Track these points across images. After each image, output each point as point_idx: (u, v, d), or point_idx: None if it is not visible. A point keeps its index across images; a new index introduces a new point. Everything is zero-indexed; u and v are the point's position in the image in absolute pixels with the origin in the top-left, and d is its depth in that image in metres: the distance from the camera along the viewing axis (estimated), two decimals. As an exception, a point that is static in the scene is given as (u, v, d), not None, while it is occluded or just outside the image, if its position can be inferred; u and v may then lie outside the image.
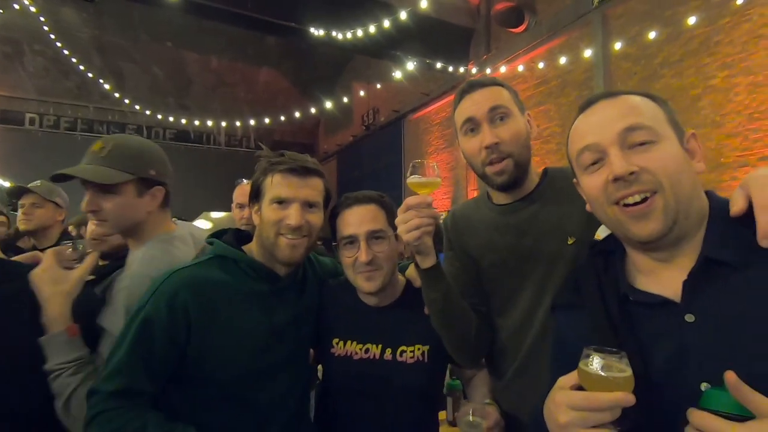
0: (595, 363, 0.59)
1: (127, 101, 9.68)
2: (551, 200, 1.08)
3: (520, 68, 6.40)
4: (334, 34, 6.12)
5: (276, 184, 1.07)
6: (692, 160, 0.69)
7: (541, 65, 6.10)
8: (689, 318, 0.63)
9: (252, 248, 1.13)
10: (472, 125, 1.06)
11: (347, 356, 1.15)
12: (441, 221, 1.22)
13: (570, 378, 0.62)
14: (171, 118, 9.78)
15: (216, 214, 7.07)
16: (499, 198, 1.14)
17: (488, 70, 6.91)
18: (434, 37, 6.90)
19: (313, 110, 9.24)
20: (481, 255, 1.14)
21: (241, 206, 2.23)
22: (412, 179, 0.97)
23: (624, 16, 5.20)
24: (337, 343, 1.17)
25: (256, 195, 1.11)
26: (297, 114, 9.13)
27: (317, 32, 6.13)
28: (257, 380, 1.04)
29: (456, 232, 1.20)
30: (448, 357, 1.10)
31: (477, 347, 1.06)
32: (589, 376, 0.59)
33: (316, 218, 1.10)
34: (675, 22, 4.62)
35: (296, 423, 1.12)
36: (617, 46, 5.15)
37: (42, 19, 8.40)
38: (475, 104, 1.06)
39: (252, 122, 9.68)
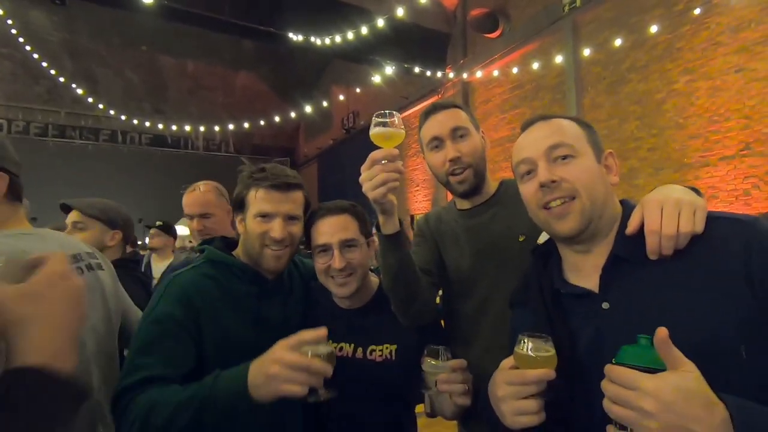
0: (525, 346, 0.72)
1: (101, 106, 9.49)
2: (505, 205, 1.25)
3: (496, 73, 6.57)
4: (312, 39, 6.15)
5: (259, 200, 1.13)
6: (609, 174, 0.84)
7: (515, 70, 6.28)
8: (605, 305, 0.76)
9: (239, 254, 1.19)
10: (437, 142, 1.22)
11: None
12: (416, 220, 1.29)
13: (509, 360, 0.76)
14: (147, 123, 9.61)
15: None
16: (463, 204, 1.31)
17: (465, 75, 7.06)
18: (412, 42, 7.02)
19: (293, 114, 9.24)
20: (445, 248, 1.30)
21: (190, 217, 1.85)
22: (375, 131, 0.97)
23: (593, 22, 5.41)
24: None
25: (239, 206, 1.18)
26: (276, 118, 9.11)
27: (296, 37, 6.16)
28: None
29: (429, 229, 1.36)
30: (417, 356, 1.14)
31: (420, 311, 1.15)
32: (520, 357, 0.73)
33: (297, 229, 1.17)
34: (640, 29, 4.84)
35: (288, 419, 1.17)
36: (586, 52, 5.36)
37: (9, 21, 8.16)
38: (439, 124, 1.22)
39: (231, 127, 9.61)
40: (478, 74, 6.79)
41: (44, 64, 8.75)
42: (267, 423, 1.09)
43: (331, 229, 1.17)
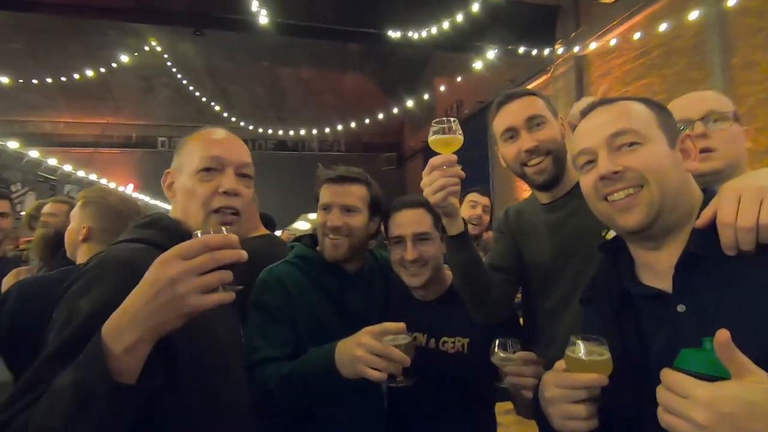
0: (577, 349, 0.69)
1: (234, 119, 10.90)
2: None
3: (613, 42, 5.82)
4: (410, 34, 6.20)
5: (322, 194, 1.28)
6: (687, 159, 0.74)
7: (638, 35, 5.49)
8: (681, 308, 0.68)
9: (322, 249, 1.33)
10: (512, 133, 1.17)
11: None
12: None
13: (563, 362, 0.71)
14: (270, 131, 10.77)
15: (313, 215, 7.67)
16: (543, 198, 1.24)
17: (576, 48, 6.41)
18: (516, 21, 6.60)
19: (395, 110, 9.45)
20: (525, 244, 1.25)
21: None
22: (433, 138, 1.00)
23: (743, -36, 4.46)
24: None
25: (316, 203, 1.32)
26: (380, 115, 9.42)
27: (394, 34, 6.27)
28: None
29: (508, 226, 1.32)
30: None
31: (492, 308, 1.14)
32: (570, 359, 0.69)
33: (356, 221, 1.25)
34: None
35: (371, 406, 1.27)
36: (731, 2, 4.43)
37: (166, 56, 9.86)
38: (512, 114, 1.17)
39: (339, 128, 10.23)
40: (593, 46, 6.10)
41: (191, 88, 10.40)
42: (355, 407, 1.19)
43: (405, 221, 1.23)
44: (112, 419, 0.64)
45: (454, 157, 0.98)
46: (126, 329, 0.64)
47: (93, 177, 9.24)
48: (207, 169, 0.93)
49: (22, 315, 1.14)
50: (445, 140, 0.99)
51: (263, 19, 5.59)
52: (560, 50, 6.73)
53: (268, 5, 5.59)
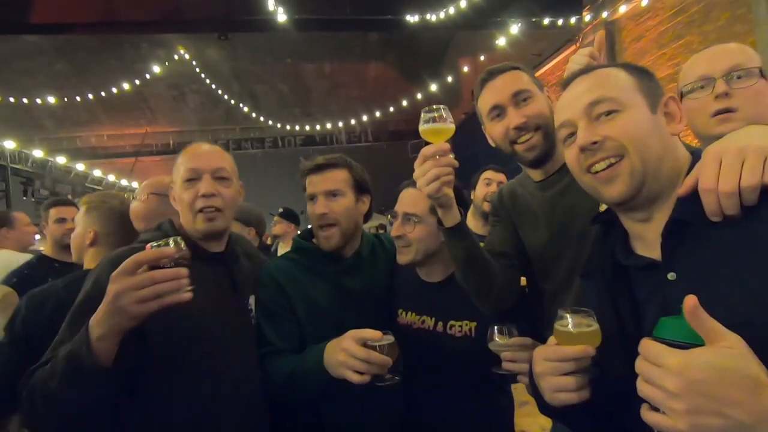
0: (564, 321, 0.69)
1: (261, 119, 11.15)
2: None
3: (645, 2, 5.48)
4: (428, 17, 6.09)
5: (307, 185, 1.31)
6: (671, 123, 0.71)
7: (673, -7, 5.14)
8: (671, 276, 0.66)
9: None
10: (498, 111, 1.13)
11: (408, 325, 1.31)
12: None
13: (554, 337, 0.71)
14: (297, 127, 10.95)
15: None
16: (536, 175, 1.19)
17: (605, 14, 6.08)
18: (538, -9, 6.34)
19: (419, 96, 9.35)
20: (522, 225, 1.22)
21: None
22: (423, 128, 0.97)
23: None
24: (401, 313, 1.34)
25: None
26: (404, 102, 9.35)
27: (413, 18, 6.18)
28: None
29: (503, 207, 1.28)
30: None
31: (497, 298, 1.10)
32: (558, 332, 0.70)
33: (340, 205, 1.27)
34: None
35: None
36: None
37: (194, 63, 10.19)
38: (497, 91, 1.13)
39: (365, 118, 10.24)
40: (622, 9, 5.78)
41: (219, 91, 10.71)
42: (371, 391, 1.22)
43: (402, 199, 1.27)
44: (93, 387, 0.86)
45: (447, 146, 0.95)
46: (95, 325, 0.84)
47: (135, 185, 9.79)
48: (189, 180, 1.14)
49: (34, 322, 1.23)
50: (436, 129, 0.97)
51: (281, 17, 5.66)
52: (588, 17, 6.41)
53: (285, 3, 5.65)
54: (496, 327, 1.04)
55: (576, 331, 0.68)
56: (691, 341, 0.51)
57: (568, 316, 0.69)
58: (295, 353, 1.19)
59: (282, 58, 11.55)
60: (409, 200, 1.25)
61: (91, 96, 10.07)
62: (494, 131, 1.16)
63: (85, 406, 0.88)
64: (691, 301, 0.50)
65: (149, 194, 1.54)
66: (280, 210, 3.56)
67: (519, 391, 1.76)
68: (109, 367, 0.85)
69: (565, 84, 0.81)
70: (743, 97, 1.01)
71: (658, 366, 0.51)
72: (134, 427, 1.00)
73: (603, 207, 0.86)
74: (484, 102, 1.17)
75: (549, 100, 1.16)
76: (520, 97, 1.12)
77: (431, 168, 0.94)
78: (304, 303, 1.26)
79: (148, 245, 0.86)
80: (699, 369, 0.48)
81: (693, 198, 0.65)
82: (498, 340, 1.03)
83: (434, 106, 0.98)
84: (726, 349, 0.49)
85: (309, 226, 1.41)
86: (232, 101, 11.10)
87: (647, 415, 0.53)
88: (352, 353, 0.99)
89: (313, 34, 8.59)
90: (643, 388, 0.53)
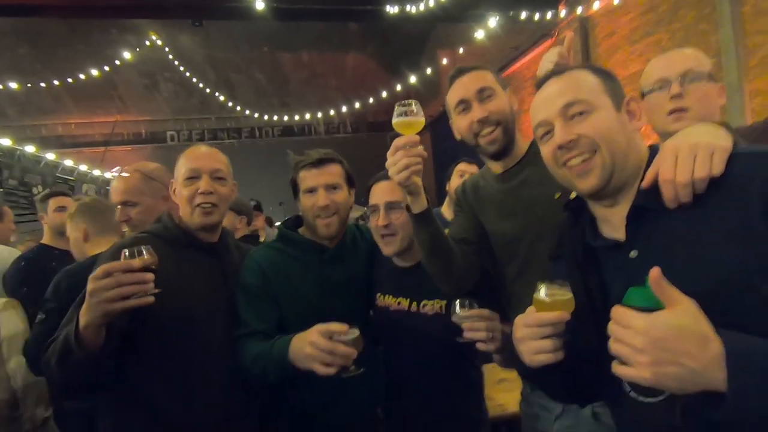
0: (541, 291, 0.77)
1: (238, 108, 10.95)
2: (537, 164, 1.19)
3: (617, 0, 5.65)
4: (408, 8, 6.10)
5: (304, 178, 1.36)
6: (632, 120, 0.82)
7: (644, -10, 5.31)
8: (633, 254, 0.76)
9: (304, 230, 1.44)
10: (464, 105, 1.23)
11: (386, 307, 1.41)
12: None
13: (533, 307, 0.79)
14: (275, 117, 10.80)
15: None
16: (496, 168, 1.30)
17: (580, 9, 6.24)
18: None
19: (399, 87, 9.37)
20: (484, 215, 1.32)
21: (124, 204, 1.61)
22: (396, 121, 1.06)
23: None
24: (380, 297, 1.44)
25: (295, 190, 1.41)
26: (384, 94, 9.35)
27: (392, 9, 6.18)
28: None
29: (466, 200, 1.38)
30: None
31: (458, 280, 1.21)
32: (537, 301, 0.77)
33: (339, 197, 1.36)
34: None
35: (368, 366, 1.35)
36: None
37: (167, 49, 9.89)
38: (464, 87, 1.23)
39: (345, 109, 10.20)
40: (596, 5, 5.93)
41: (194, 80, 10.44)
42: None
43: (379, 191, 1.34)
44: (81, 368, 1.04)
45: (417, 138, 1.04)
46: (82, 315, 1.01)
47: (108, 175, 9.48)
48: (189, 178, 1.27)
49: (75, 292, 1.37)
50: (408, 122, 1.05)
51: (259, 4, 5.56)
52: (563, 12, 6.55)
53: (263, -10, 5.55)
54: (458, 301, 1.14)
55: (552, 299, 0.76)
56: (653, 306, 0.60)
57: (545, 286, 0.77)
58: (270, 337, 1.25)
59: (259, 47, 11.34)
60: (387, 191, 1.32)
61: (57, 82, 9.65)
62: (460, 124, 1.26)
63: (78, 381, 1.10)
64: (655, 272, 0.60)
65: (135, 171, 1.66)
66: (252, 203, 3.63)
67: (497, 369, 1.88)
68: (96, 352, 1.02)
69: (539, 84, 0.88)
70: (694, 97, 1.13)
71: (626, 328, 0.60)
72: (130, 392, 1.19)
73: (573, 195, 0.94)
74: (452, 97, 1.26)
75: (511, 99, 1.26)
76: (484, 94, 1.21)
77: (402, 158, 1.02)
78: (287, 291, 1.33)
79: (123, 251, 1.02)
80: (660, 329, 0.57)
81: (652, 187, 0.74)
82: (460, 312, 1.12)
83: (406, 101, 1.07)
84: (681, 311, 0.58)
85: (287, 217, 1.48)
86: (207, 90, 10.84)
87: (618, 368, 0.62)
88: (318, 346, 1.06)
89: (291, 24, 8.47)
90: (614, 346, 0.62)
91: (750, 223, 0.65)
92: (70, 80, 9.48)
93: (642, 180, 0.78)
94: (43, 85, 9.60)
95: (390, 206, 1.30)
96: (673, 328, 0.57)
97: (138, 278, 0.99)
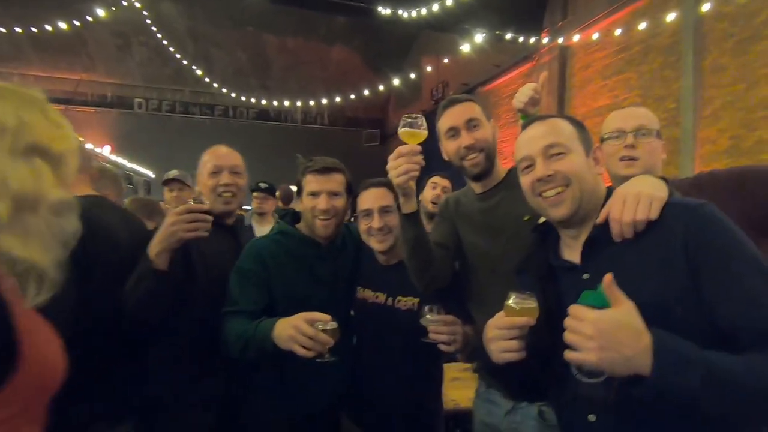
0: (511, 299, 0.91)
1: (215, 84, 10.63)
2: (512, 189, 1.35)
3: (596, 35, 6.00)
4: (400, 12, 6.19)
5: (309, 182, 1.50)
6: (597, 166, 1.01)
7: (619, 31, 5.68)
8: (585, 276, 0.93)
9: (302, 225, 1.56)
10: (453, 132, 1.39)
11: (364, 299, 1.55)
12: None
13: (503, 312, 0.93)
14: (253, 99, 10.58)
15: (293, 187, 7.76)
16: (477, 188, 1.47)
17: (561, 39, 6.56)
18: (505, 7, 6.67)
19: (381, 87, 9.44)
20: (462, 227, 1.48)
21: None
22: (403, 130, 1.20)
23: (722, -31, 4.65)
24: (360, 290, 1.58)
25: (299, 189, 1.55)
26: (366, 91, 9.39)
27: (384, 11, 6.25)
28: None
29: (448, 211, 1.55)
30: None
31: (431, 278, 1.36)
32: (507, 308, 0.91)
33: (339, 203, 1.50)
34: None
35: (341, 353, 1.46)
36: (707, 6, 4.64)
37: (145, 13, 9.46)
38: (455, 116, 1.39)
39: (324, 101, 10.15)
40: (576, 38, 6.26)
41: (171, 49, 10.04)
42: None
43: (373, 197, 1.48)
44: (154, 290, 1.26)
45: (419, 148, 1.18)
46: (153, 246, 1.27)
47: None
48: (213, 173, 1.57)
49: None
50: (413, 133, 1.19)
51: (252, -16, 5.47)
52: (546, 39, 6.86)
53: (258, -29, 5.46)
54: (426, 306, 1.28)
55: (520, 307, 0.90)
56: (602, 305, 0.76)
57: (514, 295, 0.91)
58: (254, 318, 1.35)
59: (243, 26, 11.06)
60: (380, 196, 1.48)
61: (18, 29, 9.01)
62: (449, 148, 1.42)
63: (147, 302, 1.29)
64: (609, 278, 0.76)
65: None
66: (265, 185, 3.35)
67: (451, 369, 2.00)
68: (161, 270, 1.27)
69: (525, 126, 1.06)
70: (644, 150, 1.33)
71: (580, 320, 0.76)
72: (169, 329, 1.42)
73: (531, 218, 1.07)
74: (443, 123, 1.42)
75: (493, 129, 1.43)
76: (471, 124, 1.37)
77: (404, 164, 1.16)
78: (280, 280, 1.45)
79: (189, 199, 1.32)
80: (607, 322, 0.73)
81: (604, 223, 0.92)
82: (428, 316, 1.27)
83: (414, 114, 1.21)
84: (624, 310, 0.75)
85: (284, 211, 1.54)
86: (185, 62, 10.45)
87: (570, 354, 0.77)
88: (301, 331, 1.18)
89: (278, 6, 8.33)
90: (569, 336, 0.77)
91: (672, 256, 0.82)
92: (34, 29, 8.87)
93: (598, 217, 0.93)
94: (2, 30, 8.93)
95: (384, 210, 1.45)
96: (617, 322, 0.73)
97: (203, 217, 1.29)
